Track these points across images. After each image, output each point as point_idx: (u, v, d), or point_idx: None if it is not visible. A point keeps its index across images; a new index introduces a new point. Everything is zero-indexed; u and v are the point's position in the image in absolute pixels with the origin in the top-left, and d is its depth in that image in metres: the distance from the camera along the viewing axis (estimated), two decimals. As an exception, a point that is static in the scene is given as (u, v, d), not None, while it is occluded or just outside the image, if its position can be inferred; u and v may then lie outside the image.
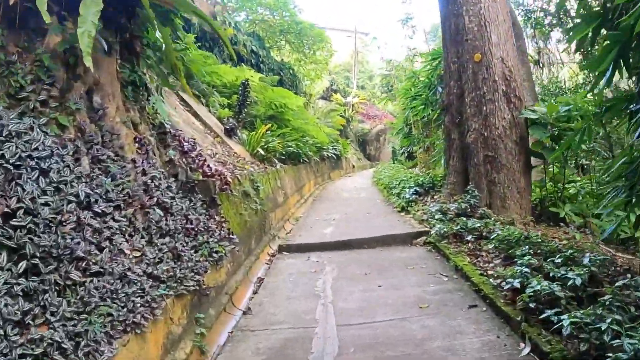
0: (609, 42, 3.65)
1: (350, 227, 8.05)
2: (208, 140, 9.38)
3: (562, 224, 7.25)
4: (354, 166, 26.85)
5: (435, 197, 8.50)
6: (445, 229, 6.29)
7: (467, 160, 7.79)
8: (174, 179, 5.36)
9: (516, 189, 7.43)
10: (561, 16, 15.51)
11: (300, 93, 22.80)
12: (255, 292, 5.54)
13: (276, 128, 12.15)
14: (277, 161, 10.84)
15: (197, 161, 5.75)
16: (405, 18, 18.92)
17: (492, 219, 6.58)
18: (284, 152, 11.46)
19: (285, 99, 13.46)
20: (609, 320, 3.02)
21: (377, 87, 43.97)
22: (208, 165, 5.91)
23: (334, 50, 25.85)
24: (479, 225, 6.06)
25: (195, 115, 10.38)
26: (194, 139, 6.14)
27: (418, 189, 8.91)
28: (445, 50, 8.34)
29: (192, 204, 5.23)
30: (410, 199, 8.71)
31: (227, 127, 10.42)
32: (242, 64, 17.65)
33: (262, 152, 9.99)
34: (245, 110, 11.88)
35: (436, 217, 6.94)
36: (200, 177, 5.49)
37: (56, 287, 2.71)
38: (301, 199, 12.87)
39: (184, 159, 5.62)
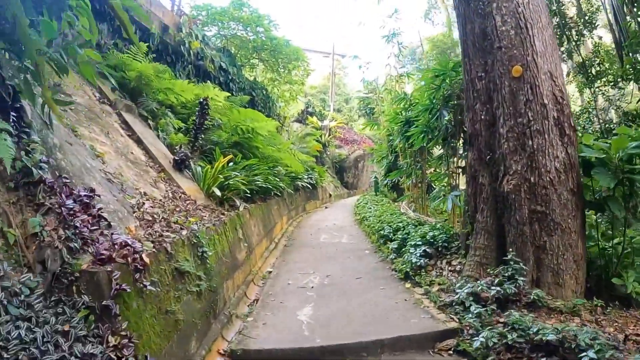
0: None
1: (336, 307, 5.63)
2: (148, 177, 7.08)
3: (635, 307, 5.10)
4: (330, 195, 24.60)
5: (453, 262, 6.19)
6: (494, 339, 3.95)
7: (502, 216, 5.55)
8: (41, 270, 3.03)
9: (572, 257, 5.22)
10: (566, 32, 13.76)
11: (273, 115, 20.59)
12: None
13: (241, 158, 9.82)
14: (239, 201, 8.49)
15: (86, 232, 3.36)
16: (392, 33, 16.89)
17: (579, 324, 4.31)
18: (249, 189, 9.15)
19: (255, 123, 11.17)
20: None
21: (354, 110, 42.25)
22: (110, 236, 3.53)
23: (311, 69, 23.74)
24: (552, 337, 3.73)
25: (138, 142, 8.07)
26: (93, 190, 3.78)
27: (428, 249, 6.58)
28: (467, 61, 6.16)
29: (64, 320, 2.85)
30: (418, 263, 6.37)
31: (177, 157, 8.07)
32: (209, 81, 15.39)
33: (219, 193, 7.64)
34: (203, 136, 9.53)
35: (472, 308, 4.59)
36: (85, 266, 3.11)
37: None
38: (271, 244, 10.51)
39: (61, 230, 3.24)
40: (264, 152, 12.37)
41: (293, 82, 23.61)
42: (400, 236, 7.79)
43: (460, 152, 8.54)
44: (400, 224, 8.71)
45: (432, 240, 6.68)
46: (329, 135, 28.63)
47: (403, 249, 7.28)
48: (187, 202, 7.05)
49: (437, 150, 11.93)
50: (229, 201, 8.08)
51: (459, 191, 8.16)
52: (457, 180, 8.60)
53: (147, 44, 10.79)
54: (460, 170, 8.55)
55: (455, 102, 8.30)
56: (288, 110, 26.32)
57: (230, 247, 6.61)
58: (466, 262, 5.77)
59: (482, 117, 5.79)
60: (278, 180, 11.82)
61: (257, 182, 9.69)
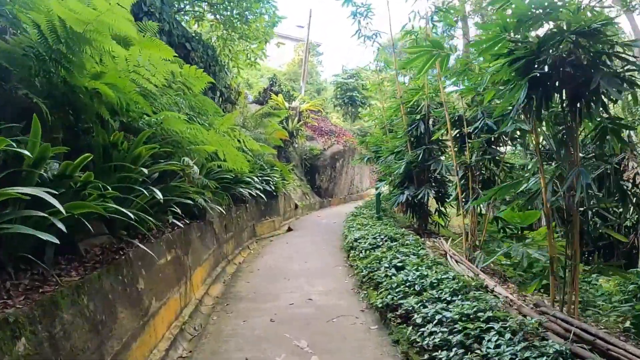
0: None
1: None
2: None
3: None
4: (296, 206, 16.74)
5: None
6: None
7: None
8: None
9: None
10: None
11: (221, 87, 12.58)
12: None
13: None
14: None
15: None
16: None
17: None
18: None
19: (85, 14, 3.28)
20: None
21: (329, 100, 34.85)
22: None
23: (279, 17, 15.70)
24: None
25: None
26: None
27: None
28: None
29: None
30: None
31: None
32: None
33: None
34: None
35: None
36: None
37: None
38: None
39: None
40: (164, 122, 4.67)
41: (252, 39, 15.53)
42: None
43: None
44: None
45: None
46: (299, 121, 20.55)
47: None
48: None
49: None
50: None
51: None
52: None
53: None
54: None
55: None
56: (241, 83, 18.42)
57: None
58: None
59: None
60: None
61: None
